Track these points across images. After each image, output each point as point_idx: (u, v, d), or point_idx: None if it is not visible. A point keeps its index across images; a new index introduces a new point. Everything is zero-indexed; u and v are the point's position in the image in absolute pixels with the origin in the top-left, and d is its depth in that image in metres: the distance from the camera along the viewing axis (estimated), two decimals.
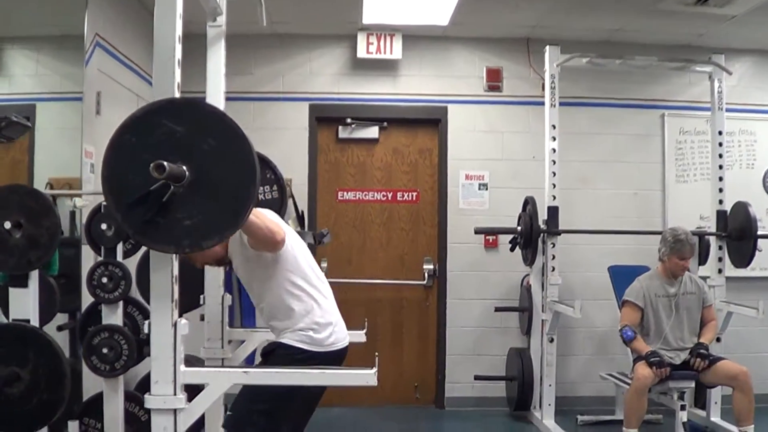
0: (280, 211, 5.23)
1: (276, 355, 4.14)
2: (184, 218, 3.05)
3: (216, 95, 4.54)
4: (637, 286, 6.87)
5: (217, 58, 4.59)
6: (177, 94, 3.17)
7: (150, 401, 3.16)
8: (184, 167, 3.00)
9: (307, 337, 4.13)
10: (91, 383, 4.98)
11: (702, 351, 6.53)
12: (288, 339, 4.14)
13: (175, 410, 3.16)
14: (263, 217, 3.86)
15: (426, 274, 8.50)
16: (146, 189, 3.02)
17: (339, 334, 4.30)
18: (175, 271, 3.20)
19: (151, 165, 2.86)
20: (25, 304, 4.11)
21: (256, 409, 4.05)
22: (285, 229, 4.16)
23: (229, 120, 3.14)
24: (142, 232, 3.10)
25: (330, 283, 7.73)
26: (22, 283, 4.12)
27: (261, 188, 5.12)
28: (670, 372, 6.44)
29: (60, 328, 5.30)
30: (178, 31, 3.18)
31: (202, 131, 3.09)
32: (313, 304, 4.22)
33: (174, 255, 3.18)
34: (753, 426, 6.39)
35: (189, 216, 3.05)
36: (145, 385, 4.75)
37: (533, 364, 7.73)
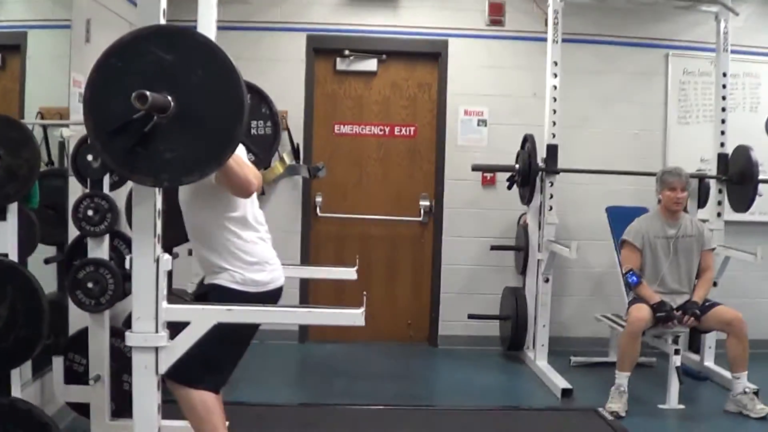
0: (273, 146, 5.15)
1: (211, 298, 4.07)
2: (165, 150, 2.98)
3: (207, 24, 4.39)
4: (635, 226, 6.80)
5: None
6: (162, 21, 3.07)
7: (131, 338, 3.13)
8: (170, 98, 2.91)
9: (241, 278, 4.05)
10: (77, 318, 4.93)
11: (695, 311, 6.47)
12: (222, 280, 4.06)
13: (156, 348, 3.13)
14: (242, 163, 3.75)
15: (422, 211, 8.43)
16: (129, 117, 2.94)
17: (274, 273, 4.24)
18: (159, 205, 3.13)
19: (133, 94, 2.78)
20: (3, 238, 3.99)
21: (196, 353, 3.96)
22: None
23: (221, 52, 3.05)
24: (121, 162, 3.03)
25: (324, 218, 7.70)
26: (0, 216, 4.02)
27: (254, 122, 5.05)
28: (675, 323, 6.42)
29: (47, 261, 5.26)
30: None
31: (192, 62, 3.02)
32: (250, 245, 4.14)
33: (157, 189, 3.09)
34: (746, 372, 6.36)
35: (170, 149, 2.99)
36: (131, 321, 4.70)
37: (528, 304, 7.72)
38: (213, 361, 3.92)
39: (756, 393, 6.33)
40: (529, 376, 7.40)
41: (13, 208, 4.02)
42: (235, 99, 3.03)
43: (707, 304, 6.53)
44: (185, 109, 2.97)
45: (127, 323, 5.00)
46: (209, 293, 4.07)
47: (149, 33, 3.06)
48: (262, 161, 5.45)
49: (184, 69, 2.99)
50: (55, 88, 5.89)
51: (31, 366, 4.84)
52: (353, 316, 3.23)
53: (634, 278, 6.54)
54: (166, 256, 3.17)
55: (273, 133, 5.16)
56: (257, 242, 4.17)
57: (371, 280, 8.08)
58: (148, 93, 2.76)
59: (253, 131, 5.04)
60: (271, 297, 4.16)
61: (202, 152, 3.03)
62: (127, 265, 3.25)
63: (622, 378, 6.33)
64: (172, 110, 2.94)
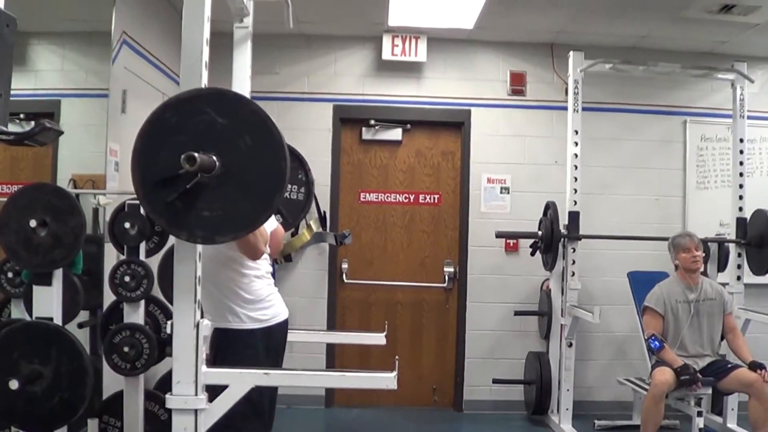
0: (303, 212, 5.27)
1: (221, 343, 4.26)
2: (204, 209, 3.11)
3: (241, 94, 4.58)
4: (657, 292, 6.88)
5: (243, 59, 4.64)
6: None
7: (171, 401, 3.19)
8: (216, 159, 3.04)
9: (245, 316, 4.28)
10: (111, 381, 4.99)
11: (761, 364, 6.52)
12: (226, 323, 4.28)
13: (196, 410, 3.19)
14: (260, 230, 3.89)
15: (446, 277, 8.50)
16: (175, 171, 3.05)
17: (274, 308, 4.45)
18: (199, 272, 3.23)
19: (183, 155, 2.93)
20: (48, 302, 4.13)
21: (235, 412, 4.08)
22: None
23: (271, 123, 3.19)
24: (159, 213, 3.15)
25: (351, 284, 7.79)
26: (46, 281, 4.14)
27: (289, 187, 5.14)
28: (700, 385, 6.45)
29: (81, 326, 5.30)
30: (206, 33, 3.22)
31: (242, 128, 3.15)
32: (250, 282, 4.35)
33: (198, 256, 3.21)
34: None
35: (210, 208, 3.11)
36: (165, 384, 4.78)
37: (551, 368, 7.74)
38: (252, 414, 4.12)
39: None
40: None
41: (58, 274, 4.16)
42: (278, 169, 3.14)
43: (729, 366, 6.59)
44: (229, 172, 3.09)
45: (160, 386, 5.12)
46: (219, 340, 4.24)
47: (208, 94, 3.20)
48: (290, 225, 5.56)
49: (234, 133, 3.12)
50: (87, 156, 5.98)
51: (67, 428, 4.92)
52: (386, 380, 3.31)
53: (657, 343, 6.59)
54: (206, 321, 3.26)
55: (305, 200, 5.29)
56: (255, 280, 4.35)
57: (396, 345, 8.11)
58: (197, 155, 2.89)
59: (286, 195, 5.15)
60: (276, 331, 4.38)
61: (239, 215, 3.15)
62: (167, 330, 3.34)
63: None
64: (217, 171, 3.06)
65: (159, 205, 3.12)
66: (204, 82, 3.21)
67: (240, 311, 4.26)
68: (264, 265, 4.44)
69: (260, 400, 4.24)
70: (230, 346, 4.24)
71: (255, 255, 4.17)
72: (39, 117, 5.59)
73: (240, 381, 3.31)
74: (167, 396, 3.20)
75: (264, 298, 4.37)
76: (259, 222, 3.28)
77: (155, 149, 3.12)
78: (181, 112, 3.12)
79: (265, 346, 4.20)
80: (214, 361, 4.21)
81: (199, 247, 3.24)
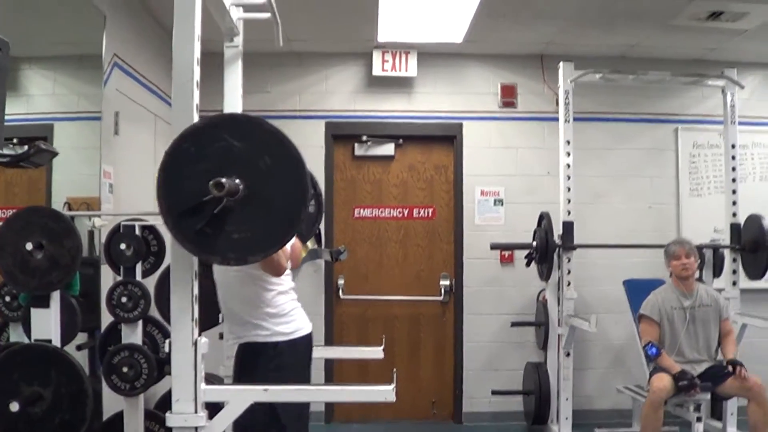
0: (315, 224, 5.31)
1: (246, 358, 4.29)
2: (233, 231, 3.14)
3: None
4: (651, 300, 6.91)
5: (234, 78, 4.64)
6: (196, 116, 3.22)
7: (171, 419, 3.20)
8: (238, 182, 3.09)
9: (269, 331, 4.26)
10: (111, 402, 5.01)
11: (737, 362, 6.55)
12: (250, 337, 4.28)
13: (196, 428, 3.20)
14: (284, 247, 3.93)
15: (442, 290, 8.53)
16: (199, 199, 3.09)
17: (297, 322, 4.45)
18: (196, 291, 3.24)
19: (211, 182, 2.98)
20: (46, 324, 4.14)
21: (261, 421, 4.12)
22: None
23: (288, 141, 3.22)
24: (190, 241, 3.16)
25: (347, 300, 7.80)
26: (44, 303, 4.16)
27: None
28: (698, 390, 6.48)
29: (79, 348, 5.31)
30: (197, 53, 3.24)
31: (260, 149, 3.18)
32: (274, 296, 4.35)
33: (194, 274, 3.23)
34: None
35: (238, 230, 3.14)
36: (164, 403, 4.80)
37: (550, 378, 7.74)
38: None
39: None
40: None
41: (55, 296, 4.18)
42: (300, 185, 3.19)
43: (727, 371, 6.60)
44: (252, 193, 3.12)
45: (160, 406, 5.13)
46: (243, 354, 4.28)
47: (222, 120, 3.26)
48: (305, 238, 5.60)
49: (253, 155, 3.15)
50: (81, 179, 5.99)
51: None
52: (384, 393, 3.32)
53: (654, 350, 6.61)
54: (204, 339, 3.27)
55: (316, 212, 5.30)
56: (279, 295, 4.37)
57: (394, 359, 8.10)
58: (224, 180, 2.94)
59: None
60: (300, 344, 4.39)
61: (267, 234, 3.18)
62: (165, 349, 3.37)
63: None
64: (241, 194, 3.10)
65: (189, 232, 3.15)
66: (195, 102, 3.23)
67: (264, 324, 4.26)
68: (287, 280, 4.46)
69: (289, 420, 4.25)
70: (255, 359, 4.25)
71: (278, 272, 4.19)
72: (33, 141, 5.65)
73: (238, 397, 3.32)
74: (167, 414, 3.21)
75: (288, 312, 4.39)
76: (287, 238, 3.33)
77: (178, 179, 3.16)
78: (198, 141, 3.16)
79: (290, 359, 4.21)
80: (239, 375, 4.27)
81: (195, 265, 3.26)
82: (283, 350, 4.24)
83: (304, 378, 4.44)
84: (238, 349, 4.33)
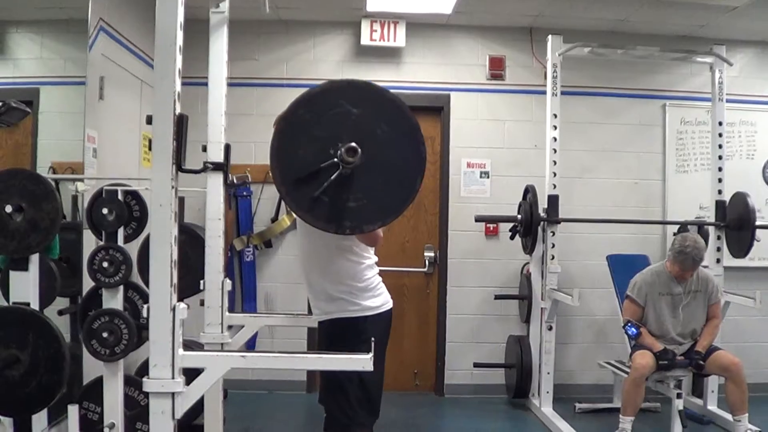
0: None
1: (336, 333, 4.37)
2: (350, 200, 3.19)
3: (218, 81, 4.58)
4: (639, 282, 6.92)
5: (219, 45, 4.62)
6: (178, 81, 3.18)
7: (148, 384, 3.18)
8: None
9: (357, 307, 4.33)
10: (91, 367, 5.01)
11: (698, 361, 6.60)
12: (338, 313, 4.35)
13: (173, 393, 3.18)
14: None
15: (427, 262, 8.54)
16: (316, 166, 3.12)
17: (384, 296, 4.48)
18: (175, 256, 3.22)
19: (343, 147, 3.04)
20: (25, 287, 4.14)
21: (348, 401, 4.23)
22: None
23: (406, 109, 3.26)
24: (305, 210, 3.22)
25: None
26: (23, 266, 4.15)
27: None
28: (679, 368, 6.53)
29: (61, 313, 5.32)
30: (180, 18, 3.21)
31: (378, 116, 3.22)
32: (363, 270, 4.40)
33: (173, 240, 3.20)
34: (747, 414, 6.48)
35: (355, 198, 3.20)
36: (145, 369, 4.77)
37: (532, 352, 7.80)
38: (364, 401, 4.26)
39: None
40: (534, 423, 7.46)
41: (34, 259, 4.17)
42: (417, 153, 3.24)
43: (707, 353, 6.63)
44: (369, 161, 3.15)
45: (140, 372, 5.12)
46: (330, 329, 4.38)
47: (340, 87, 3.30)
48: None
49: (371, 123, 3.19)
50: (66, 144, 6.01)
51: (47, 415, 4.92)
52: (362, 362, 3.31)
53: (633, 330, 6.64)
54: (182, 305, 3.24)
55: None
56: (367, 269, 4.41)
57: None
58: (357, 146, 2.98)
59: None
60: (386, 318, 4.44)
61: (384, 203, 3.24)
62: (144, 314, 3.34)
63: (626, 423, 6.44)
64: (357, 161, 3.12)
65: (304, 201, 3.19)
66: (178, 66, 3.19)
67: (354, 300, 4.31)
68: (372, 254, 4.49)
69: (372, 387, 4.36)
70: (344, 334, 4.30)
71: (375, 242, 4.27)
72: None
73: (216, 363, 3.31)
74: (144, 379, 3.19)
75: (376, 286, 4.43)
76: (405, 207, 3.33)
77: (293, 146, 3.20)
78: (315, 107, 3.20)
79: (376, 332, 4.18)
80: (328, 350, 4.32)
81: (175, 231, 3.23)
82: (371, 324, 4.28)
83: (384, 349, 4.49)
84: (326, 324, 4.40)
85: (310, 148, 3.13)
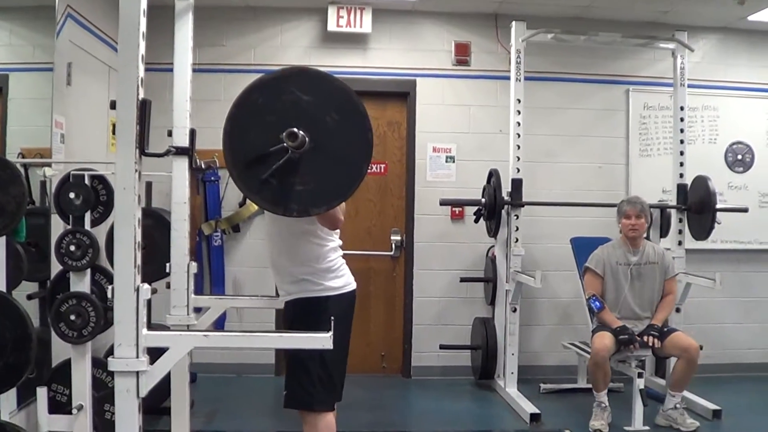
0: None
1: (298, 312, 4.43)
2: (297, 183, 3.29)
3: (183, 67, 4.63)
4: (597, 254, 7.05)
5: (184, 31, 4.66)
6: (141, 67, 3.23)
7: (113, 364, 3.23)
8: (303, 135, 3.23)
9: (320, 286, 4.37)
10: (60, 350, 5.05)
11: (653, 332, 6.71)
12: (302, 293, 4.40)
13: (137, 372, 3.24)
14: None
15: (393, 245, 8.60)
16: (265, 150, 3.23)
17: (345, 278, 4.53)
18: (138, 238, 3.28)
19: (285, 132, 3.14)
20: None
21: (309, 379, 4.29)
22: None
23: (356, 98, 3.37)
24: (254, 192, 3.32)
25: None
26: None
27: None
28: (637, 346, 6.62)
29: (30, 297, 5.34)
30: (143, 4, 3.26)
31: (328, 104, 3.33)
32: (325, 251, 4.44)
33: (137, 222, 3.26)
34: (683, 394, 6.76)
35: (302, 182, 3.30)
36: (112, 352, 4.84)
37: (497, 334, 7.88)
38: (325, 379, 4.31)
39: (686, 409, 6.70)
40: (499, 403, 7.55)
41: (1, 242, 4.22)
42: (365, 141, 3.38)
43: (666, 329, 6.76)
44: (317, 146, 3.27)
45: (108, 355, 5.17)
46: (294, 309, 4.44)
47: (292, 74, 3.39)
48: None
49: (320, 110, 3.30)
50: (35, 130, 6.02)
51: (17, 397, 4.98)
52: (322, 340, 3.38)
53: (597, 303, 6.75)
54: (146, 285, 3.29)
55: None
56: (331, 251, 4.47)
57: None
58: (297, 131, 3.09)
59: None
60: (348, 298, 4.51)
61: (330, 187, 3.35)
62: (109, 295, 3.40)
63: (601, 396, 6.62)
64: (306, 147, 3.24)
65: (253, 183, 3.29)
66: (141, 52, 3.25)
67: (317, 280, 4.36)
68: (336, 237, 4.55)
69: (334, 366, 4.41)
70: (307, 313, 4.36)
71: (335, 225, 4.30)
72: None
73: (179, 343, 3.37)
74: (109, 359, 3.24)
75: (338, 267, 4.48)
76: (351, 192, 3.45)
77: (244, 130, 3.32)
78: (267, 93, 3.30)
79: (338, 311, 4.22)
80: (291, 329, 4.39)
81: (138, 214, 3.29)
82: (333, 304, 4.33)
83: (348, 330, 4.56)
84: (290, 304, 4.47)
85: (261, 132, 3.24)
